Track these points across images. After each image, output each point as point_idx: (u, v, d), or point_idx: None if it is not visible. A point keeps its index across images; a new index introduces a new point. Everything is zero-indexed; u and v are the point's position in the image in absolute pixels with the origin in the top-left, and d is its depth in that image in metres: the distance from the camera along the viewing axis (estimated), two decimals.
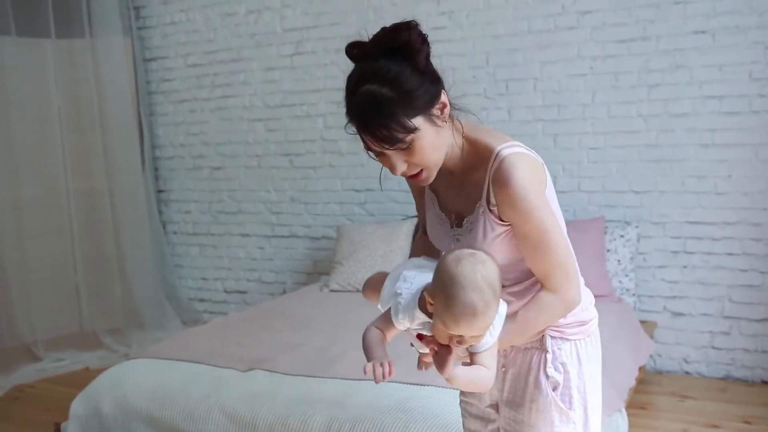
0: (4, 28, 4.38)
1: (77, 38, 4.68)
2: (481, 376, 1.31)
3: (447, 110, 1.35)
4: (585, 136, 3.82)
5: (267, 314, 3.48)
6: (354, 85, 1.30)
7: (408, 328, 1.35)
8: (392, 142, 1.28)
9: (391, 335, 1.39)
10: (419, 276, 1.35)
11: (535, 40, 3.86)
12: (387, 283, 1.42)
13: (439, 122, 1.33)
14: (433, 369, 1.33)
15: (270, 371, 2.61)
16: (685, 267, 3.70)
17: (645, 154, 3.71)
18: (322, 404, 2.30)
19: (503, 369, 1.52)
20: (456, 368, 1.27)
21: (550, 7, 3.80)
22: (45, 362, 4.37)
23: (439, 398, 2.24)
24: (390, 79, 1.26)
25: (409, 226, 4.00)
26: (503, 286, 1.35)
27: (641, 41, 3.64)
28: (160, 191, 5.15)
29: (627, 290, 3.61)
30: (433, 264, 1.33)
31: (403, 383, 2.35)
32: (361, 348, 1.38)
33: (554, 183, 1.72)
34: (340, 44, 4.35)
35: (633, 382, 3.01)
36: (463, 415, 1.68)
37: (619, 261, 3.63)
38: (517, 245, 1.39)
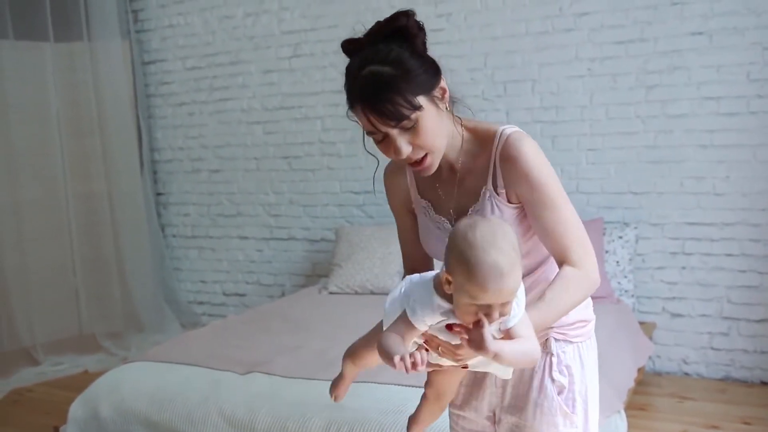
0: (2, 32, 4.38)
1: (76, 41, 4.69)
2: (528, 345, 1.21)
3: (447, 96, 1.36)
4: (583, 138, 3.82)
5: (266, 317, 3.48)
6: (356, 70, 1.31)
7: (430, 327, 1.24)
8: (398, 117, 1.27)
9: (410, 340, 1.26)
10: (423, 281, 1.29)
11: (533, 42, 3.86)
12: (388, 305, 1.32)
13: (441, 105, 1.34)
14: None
15: (269, 374, 2.60)
16: (683, 268, 3.70)
17: (643, 155, 3.71)
18: (320, 407, 2.30)
19: None
20: (498, 342, 1.17)
21: (547, 9, 3.81)
22: (44, 366, 4.37)
23: None
24: (391, 60, 1.28)
25: None
26: None
27: (639, 43, 3.64)
28: (158, 194, 5.15)
29: (626, 291, 3.61)
30: (431, 272, 1.30)
31: (402, 385, 2.35)
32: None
33: None
34: (338, 47, 4.30)
35: (632, 384, 3.01)
36: (453, 430, 1.62)
37: (617, 262, 3.63)
38: (532, 223, 1.37)
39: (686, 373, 3.76)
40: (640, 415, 3.27)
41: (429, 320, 1.23)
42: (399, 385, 2.36)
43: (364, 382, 2.29)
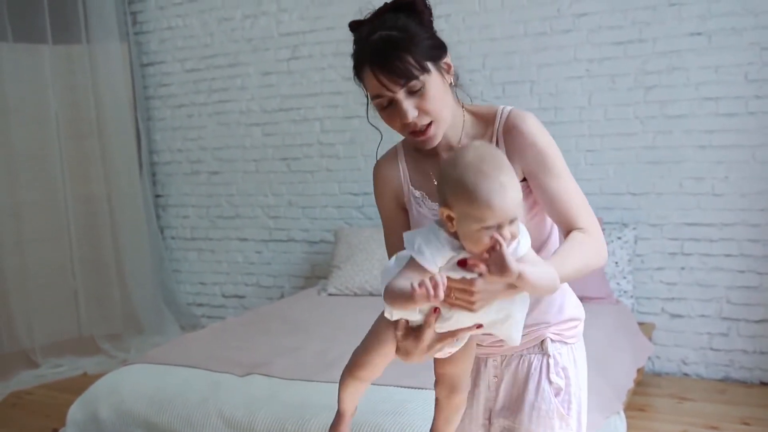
0: (1, 35, 4.38)
1: (74, 44, 4.69)
2: (547, 269, 1.18)
3: (453, 72, 1.39)
4: (582, 139, 3.82)
5: (265, 318, 3.48)
6: (366, 36, 1.33)
7: (440, 269, 1.18)
8: (407, 75, 1.28)
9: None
10: (420, 232, 1.24)
11: (532, 43, 3.86)
12: (382, 278, 1.27)
13: (446, 78, 1.36)
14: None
15: (268, 376, 2.60)
16: (683, 268, 3.70)
17: (642, 156, 3.71)
18: (319, 408, 2.30)
19: (496, 379, 1.48)
20: (518, 263, 1.13)
21: (545, 10, 3.81)
22: (43, 368, 4.37)
23: None
24: (400, 27, 1.31)
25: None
26: None
27: (637, 43, 3.64)
28: (157, 196, 5.15)
29: (625, 292, 3.61)
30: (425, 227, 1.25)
31: (401, 386, 2.35)
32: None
33: None
34: (336, 48, 4.36)
35: (631, 384, 3.01)
36: None
37: (616, 263, 3.62)
38: (537, 193, 1.36)
39: (686, 374, 3.76)
40: (640, 416, 3.27)
41: (439, 260, 1.18)
42: (398, 386, 2.36)
43: None
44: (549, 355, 1.43)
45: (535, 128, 1.37)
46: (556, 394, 1.42)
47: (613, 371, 2.78)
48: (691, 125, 3.60)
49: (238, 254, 4.91)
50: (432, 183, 1.44)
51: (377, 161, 1.55)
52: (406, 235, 1.24)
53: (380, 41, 1.29)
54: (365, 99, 1.39)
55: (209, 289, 5.06)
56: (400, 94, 1.30)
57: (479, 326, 1.25)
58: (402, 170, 1.50)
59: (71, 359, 4.49)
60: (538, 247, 1.40)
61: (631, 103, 3.70)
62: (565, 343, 1.45)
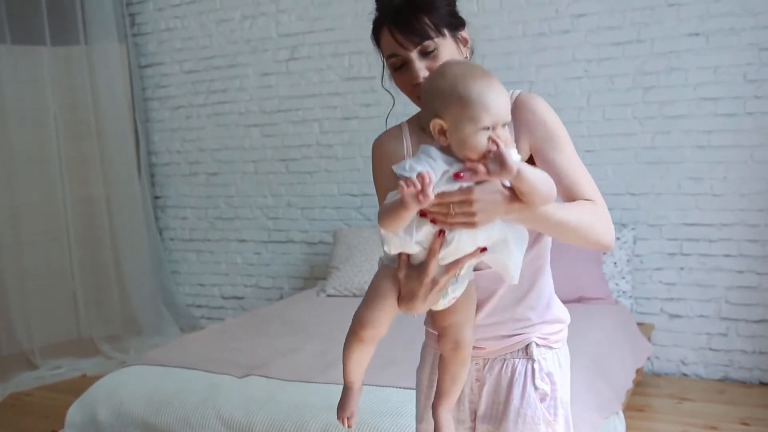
0: None
1: (73, 45, 4.69)
2: (544, 175, 1.18)
3: (470, 46, 1.43)
4: (581, 139, 3.82)
5: (264, 320, 3.48)
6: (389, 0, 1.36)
7: (435, 185, 1.14)
8: (422, 35, 1.32)
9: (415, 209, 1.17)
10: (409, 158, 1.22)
11: (530, 44, 3.87)
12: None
13: (462, 50, 1.40)
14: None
15: (267, 377, 2.60)
16: (681, 269, 3.70)
17: (641, 156, 3.71)
18: (318, 410, 2.30)
19: (478, 382, 1.45)
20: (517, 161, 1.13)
21: (544, 11, 3.81)
22: (42, 370, 4.36)
23: None
24: None
25: None
26: None
27: (636, 44, 3.65)
28: (156, 197, 5.15)
29: (624, 293, 3.61)
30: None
31: (400, 388, 2.35)
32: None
33: None
34: (335, 49, 4.36)
35: (630, 385, 3.01)
36: None
37: (615, 263, 3.62)
38: (543, 168, 1.31)
39: (685, 374, 3.76)
40: (639, 416, 3.27)
41: (434, 173, 1.14)
42: (397, 387, 2.36)
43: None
44: (534, 360, 1.40)
45: (545, 107, 1.37)
46: (542, 400, 1.39)
47: (612, 372, 2.78)
48: (690, 125, 3.60)
49: (237, 255, 4.91)
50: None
51: (379, 136, 1.48)
52: (395, 166, 1.18)
53: (401, 2, 1.34)
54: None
55: (208, 291, 5.06)
56: (414, 54, 1.33)
57: (483, 250, 1.23)
58: (407, 147, 1.44)
59: (70, 361, 4.48)
60: (532, 240, 1.37)
61: (630, 104, 3.70)
62: (551, 347, 1.42)
